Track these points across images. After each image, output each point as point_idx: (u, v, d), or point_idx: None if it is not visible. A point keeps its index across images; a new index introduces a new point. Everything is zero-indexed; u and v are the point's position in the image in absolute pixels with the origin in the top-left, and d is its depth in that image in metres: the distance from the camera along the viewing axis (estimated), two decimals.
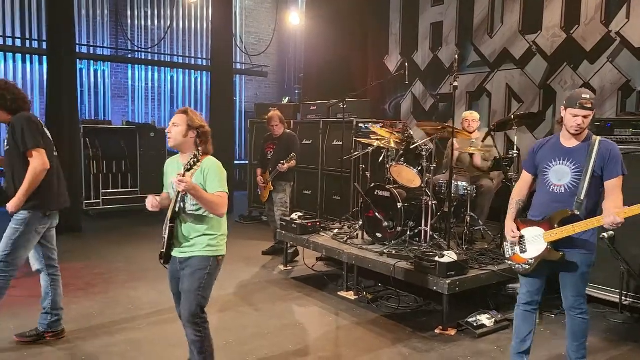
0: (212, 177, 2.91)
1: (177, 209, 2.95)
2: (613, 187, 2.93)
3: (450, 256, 4.06)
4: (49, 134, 3.74)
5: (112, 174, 9.07)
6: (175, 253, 3.01)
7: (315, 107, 8.28)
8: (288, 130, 6.39)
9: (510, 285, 4.56)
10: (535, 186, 3.21)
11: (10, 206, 3.52)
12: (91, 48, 11.02)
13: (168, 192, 3.14)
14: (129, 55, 11.53)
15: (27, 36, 10.39)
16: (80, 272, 5.65)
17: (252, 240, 7.21)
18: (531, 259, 3.06)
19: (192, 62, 12.45)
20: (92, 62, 11.08)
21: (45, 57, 10.31)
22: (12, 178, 3.58)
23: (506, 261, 3.35)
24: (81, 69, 10.76)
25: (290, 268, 5.83)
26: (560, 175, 3.00)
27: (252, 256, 6.36)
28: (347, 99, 6.46)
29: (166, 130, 3.00)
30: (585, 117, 2.91)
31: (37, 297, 4.72)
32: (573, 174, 2.96)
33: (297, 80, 13.60)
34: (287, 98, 9.76)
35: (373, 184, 5.25)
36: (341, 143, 7.26)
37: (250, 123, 9.15)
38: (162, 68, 11.99)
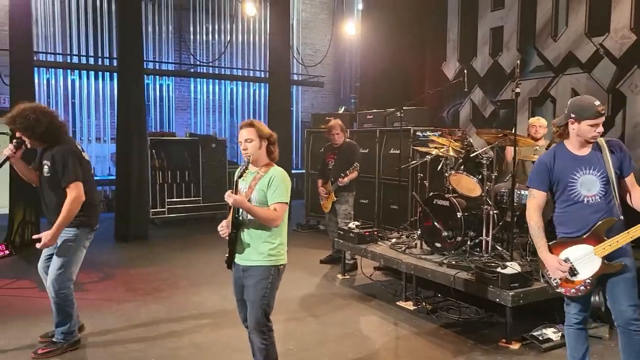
0: (275, 186, 3.00)
1: (237, 216, 3.06)
2: (633, 181, 2.94)
3: (513, 267, 3.96)
4: (86, 156, 3.91)
5: (176, 183, 9.45)
6: (238, 260, 3.11)
7: (371, 116, 8.30)
8: (349, 139, 6.41)
9: None
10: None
11: (47, 238, 3.61)
12: (157, 64, 11.56)
13: None
14: (192, 70, 12.00)
15: (100, 54, 11.04)
16: (147, 277, 5.92)
17: (310, 248, 7.30)
18: (587, 279, 2.89)
19: (251, 75, 12.79)
20: (157, 77, 11.62)
21: (115, 74, 10.99)
22: (52, 202, 3.71)
23: (555, 291, 3.04)
24: (147, 84, 11.30)
25: (349, 277, 5.86)
26: (589, 185, 2.89)
27: (310, 265, 6.44)
28: (404, 107, 6.44)
29: (242, 148, 3.07)
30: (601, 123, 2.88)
31: (110, 300, 5.03)
32: (600, 180, 2.88)
33: (353, 90, 13.67)
34: (343, 107, 9.85)
35: (432, 193, 5.20)
36: (398, 152, 7.24)
37: (307, 133, 9.29)
38: (223, 81, 12.40)
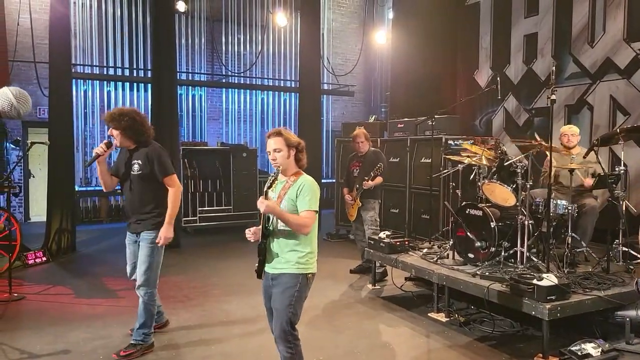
0: (304, 194, 2.99)
1: (267, 226, 3.05)
2: None
3: (550, 279, 3.82)
4: None
5: (208, 192, 9.56)
6: (267, 269, 3.10)
7: (402, 125, 8.23)
8: (373, 148, 6.39)
9: (619, 313, 4.19)
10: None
11: (165, 233, 3.88)
12: (189, 75, 11.77)
13: None
14: (223, 80, 12.17)
15: (135, 66, 11.31)
16: (179, 285, 5.97)
17: (340, 258, 7.25)
18: None
19: (282, 84, 12.89)
20: (190, 87, 11.83)
21: (150, 85, 11.23)
22: (142, 200, 3.92)
23: None
24: (180, 95, 11.52)
25: (379, 287, 5.79)
26: None
27: (340, 274, 6.39)
28: (435, 116, 6.36)
29: (270, 158, 3.08)
30: None
31: None
32: None
33: (384, 99, 13.62)
34: (373, 116, 9.80)
35: (464, 203, 5.10)
36: (429, 160, 7.16)
37: (337, 142, 9.27)
38: (254, 91, 12.52)
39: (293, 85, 12.73)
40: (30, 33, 9.09)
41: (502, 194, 4.77)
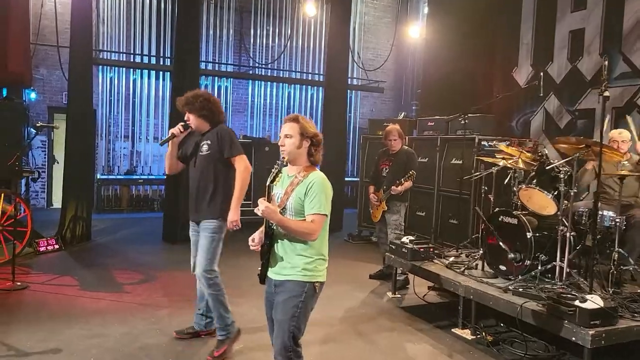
0: (314, 194, 2.61)
1: (270, 225, 2.69)
2: None
3: (594, 301, 3.36)
4: None
5: None
6: (271, 274, 2.75)
7: (432, 123, 7.77)
8: (406, 147, 5.94)
9: None
10: None
11: (232, 217, 3.66)
12: (216, 65, 11.52)
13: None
14: (250, 72, 11.88)
15: (162, 54, 11.12)
16: (188, 282, 5.62)
17: (360, 261, 6.84)
18: None
19: (309, 78, 12.52)
20: (216, 78, 11.57)
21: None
22: (206, 185, 3.72)
23: None
24: (206, 85, 11.28)
25: (399, 296, 5.36)
26: None
27: (358, 279, 5.98)
28: (468, 114, 5.91)
29: (279, 144, 2.74)
30: None
31: (145, 305, 4.80)
32: None
33: (414, 96, 13.12)
34: (403, 113, 9.34)
35: (497, 209, 4.64)
36: (460, 162, 6.72)
37: (363, 139, 8.86)
38: (280, 84, 12.19)
39: (321, 79, 12.34)
40: (54, 16, 8.95)
41: (540, 201, 4.29)
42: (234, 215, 3.67)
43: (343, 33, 9.02)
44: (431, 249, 5.11)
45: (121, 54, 10.82)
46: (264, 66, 11.98)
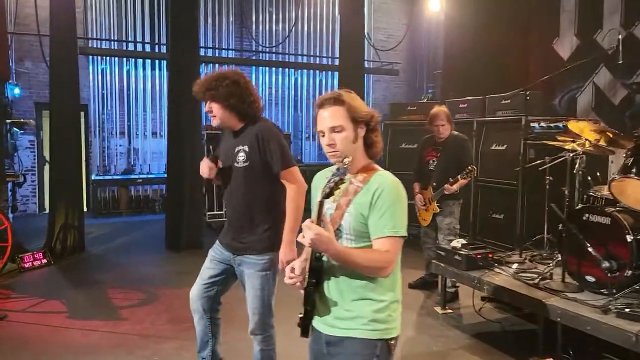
0: (384, 206, 1.74)
1: (318, 255, 1.82)
2: None
3: None
4: None
5: None
6: (320, 325, 1.88)
7: (465, 105, 6.85)
8: (456, 132, 4.93)
9: None
10: None
11: (286, 255, 2.67)
12: (216, 51, 10.58)
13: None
14: (253, 57, 10.93)
15: (157, 41, 10.18)
16: None
17: None
18: None
19: (318, 62, 11.56)
20: (217, 66, 10.62)
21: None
22: (249, 208, 2.74)
23: None
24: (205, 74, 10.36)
25: (451, 312, 4.47)
26: None
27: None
28: (524, 92, 5.02)
29: (325, 144, 1.85)
30: None
31: (146, 336, 3.93)
32: None
33: (430, 78, 12.19)
34: (427, 95, 8.42)
35: (581, 205, 3.74)
36: (504, 147, 5.86)
37: (384, 126, 7.93)
38: (286, 70, 11.25)
39: (330, 63, 11.39)
40: (34, 3, 8.03)
41: (638, 194, 3.40)
42: (287, 254, 2.67)
43: (357, 7, 8.08)
44: (490, 256, 4.22)
45: (112, 42, 9.88)
46: (268, 50, 11.02)
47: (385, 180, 1.80)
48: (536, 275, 3.82)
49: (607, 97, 6.34)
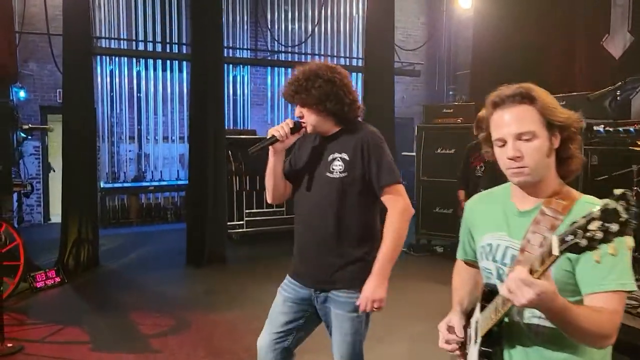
0: (611, 257, 1.23)
1: (500, 312, 1.31)
2: None
3: None
4: None
5: (256, 191, 7.86)
6: None
7: None
8: None
9: None
10: None
11: (374, 294, 2.13)
12: (230, 51, 10.07)
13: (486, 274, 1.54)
14: (269, 57, 10.42)
15: (168, 40, 9.68)
16: (235, 328, 4.29)
17: (431, 282, 5.32)
18: None
19: (338, 63, 11.05)
20: (230, 66, 10.10)
21: (185, 63, 9.59)
22: (342, 228, 2.20)
23: None
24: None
25: None
26: None
27: (437, 311, 4.57)
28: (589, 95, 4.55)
29: (509, 157, 1.36)
30: None
31: None
32: None
33: (451, 80, 11.73)
34: (462, 97, 7.94)
35: None
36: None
37: (417, 129, 7.42)
38: None
39: (351, 64, 10.89)
40: (43, 1, 7.53)
41: None
42: (379, 291, 2.13)
43: (388, 8, 7.59)
44: None
45: (122, 42, 9.37)
46: (284, 50, 10.51)
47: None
48: (636, 303, 3.32)
49: None
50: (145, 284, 5.60)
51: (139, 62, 9.50)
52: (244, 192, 7.75)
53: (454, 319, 1.55)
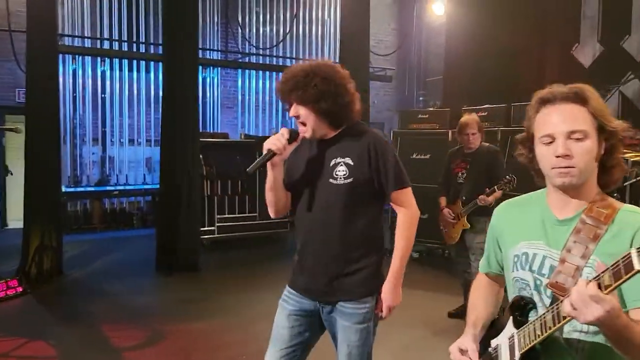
0: None
1: (552, 333, 1.24)
2: None
3: None
4: None
5: (228, 196, 7.68)
6: None
7: (486, 113, 6.41)
8: (487, 144, 4.55)
9: None
10: None
11: (391, 300, 2.11)
12: (200, 52, 9.81)
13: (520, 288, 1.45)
14: (240, 59, 10.24)
15: (134, 39, 9.37)
16: (214, 339, 4.11)
17: (427, 290, 5.32)
18: None
19: None
20: (200, 68, 9.85)
21: (152, 63, 9.31)
22: (346, 237, 2.09)
23: None
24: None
25: None
26: None
27: (434, 319, 4.55)
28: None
29: (559, 153, 1.28)
30: None
31: None
32: None
33: (421, 86, 11.84)
34: (437, 102, 7.98)
35: None
36: None
37: (393, 135, 7.40)
38: (273, 73, 10.61)
39: None
40: None
41: None
42: (393, 297, 2.10)
43: (363, 12, 7.54)
44: None
45: (85, 40, 9.00)
46: (257, 52, 10.35)
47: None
48: None
49: (637, 107, 6.04)
50: (114, 293, 5.33)
51: (104, 61, 9.15)
52: (216, 197, 7.55)
53: (467, 342, 1.47)
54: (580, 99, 1.29)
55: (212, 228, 7.47)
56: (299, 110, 2.08)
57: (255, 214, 7.78)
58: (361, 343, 2.09)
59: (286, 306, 2.20)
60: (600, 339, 1.26)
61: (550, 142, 1.29)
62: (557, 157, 1.27)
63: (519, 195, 1.60)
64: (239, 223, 7.66)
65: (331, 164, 2.09)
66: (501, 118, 6.18)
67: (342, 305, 2.09)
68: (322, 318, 2.16)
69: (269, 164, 2.10)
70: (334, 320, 2.12)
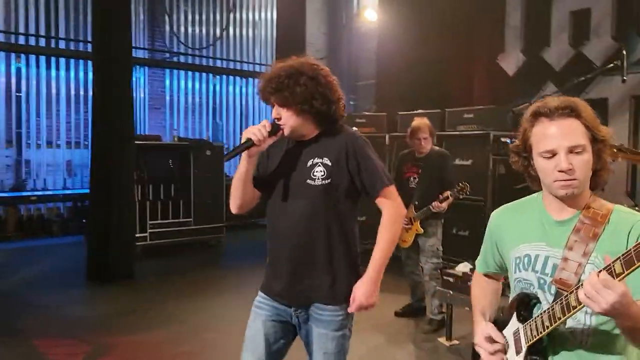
0: None
1: (559, 324, 1.31)
2: None
3: None
4: None
5: (161, 201, 7.38)
6: None
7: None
8: (437, 147, 4.69)
9: None
10: None
11: (366, 296, 2.02)
12: None
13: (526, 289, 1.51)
14: (168, 59, 9.90)
15: (54, 34, 8.77)
16: (161, 349, 3.93)
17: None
18: None
19: (242, 68, 10.82)
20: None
21: (73, 60, 8.78)
22: (321, 240, 2.04)
23: None
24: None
25: (459, 343, 4.11)
26: None
27: (381, 319, 4.59)
28: (514, 109, 4.93)
29: (561, 168, 1.36)
30: None
31: None
32: None
33: (351, 90, 12.05)
34: (373, 106, 8.16)
35: None
36: (469, 163, 5.74)
37: None
38: (203, 74, 10.35)
39: (257, 70, 10.72)
40: None
41: None
42: (371, 298, 2.03)
43: (298, 15, 7.58)
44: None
45: None
46: (183, 52, 10.05)
47: (636, 218, 1.35)
48: None
49: None
50: (43, 305, 4.94)
51: (20, 57, 8.48)
52: (147, 202, 7.23)
53: (488, 328, 1.50)
54: (574, 113, 1.37)
55: (144, 234, 7.13)
56: (281, 112, 2.03)
57: (190, 219, 7.54)
58: (337, 350, 2.05)
59: (260, 312, 2.13)
60: (603, 330, 1.34)
61: (551, 157, 1.36)
62: (560, 171, 1.34)
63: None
64: (172, 229, 7.38)
65: (309, 164, 2.05)
66: (435, 123, 6.41)
67: (318, 312, 2.04)
68: (295, 325, 2.11)
69: (245, 154, 2.03)
70: (310, 328, 2.07)
